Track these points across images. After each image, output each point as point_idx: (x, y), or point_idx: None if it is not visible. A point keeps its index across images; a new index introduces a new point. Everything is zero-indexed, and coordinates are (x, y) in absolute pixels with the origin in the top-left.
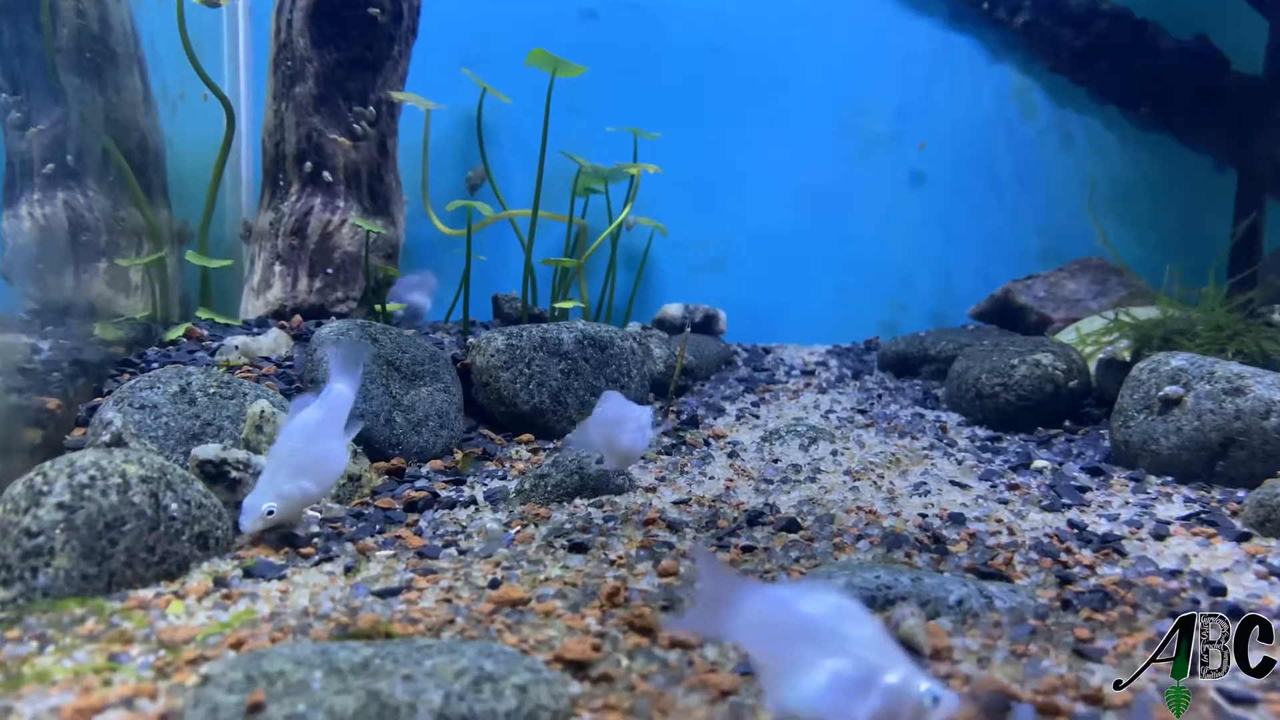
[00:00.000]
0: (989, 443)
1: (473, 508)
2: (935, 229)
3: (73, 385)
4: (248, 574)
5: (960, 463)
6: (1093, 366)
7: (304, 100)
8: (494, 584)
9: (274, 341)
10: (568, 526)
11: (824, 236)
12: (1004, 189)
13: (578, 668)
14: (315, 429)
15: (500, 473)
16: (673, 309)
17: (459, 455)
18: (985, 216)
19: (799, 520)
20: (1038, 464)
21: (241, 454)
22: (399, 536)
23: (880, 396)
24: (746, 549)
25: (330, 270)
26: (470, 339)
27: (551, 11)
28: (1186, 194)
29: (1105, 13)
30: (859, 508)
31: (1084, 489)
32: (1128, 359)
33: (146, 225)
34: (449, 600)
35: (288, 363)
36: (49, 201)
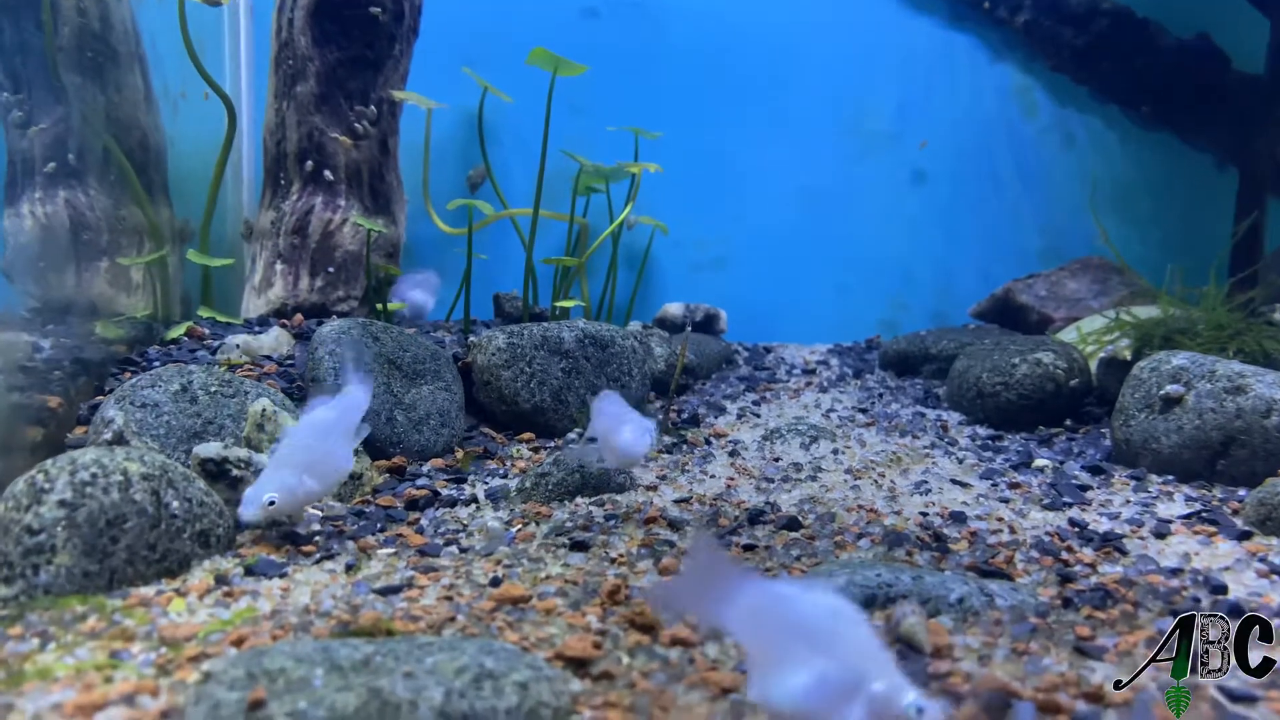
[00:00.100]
0: (990, 441)
1: (474, 506)
2: (936, 228)
3: (74, 384)
4: (249, 572)
5: (961, 461)
6: (1094, 365)
7: (305, 99)
8: (495, 582)
9: (275, 340)
10: (569, 525)
11: (825, 236)
12: (1005, 188)
13: (579, 665)
14: (326, 428)
15: (501, 471)
16: (674, 308)
17: (459, 453)
18: (986, 215)
19: (800, 519)
20: (1039, 463)
21: (243, 452)
22: (400, 535)
23: (881, 395)
24: (748, 547)
25: (331, 269)
26: (471, 338)
27: (552, 11)
28: (1188, 193)
29: (1106, 12)
30: (860, 506)
31: (1085, 487)
32: (1129, 358)
33: (148, 224)
34: (450, 598)
35: (289, 361)
36: (50, 200)
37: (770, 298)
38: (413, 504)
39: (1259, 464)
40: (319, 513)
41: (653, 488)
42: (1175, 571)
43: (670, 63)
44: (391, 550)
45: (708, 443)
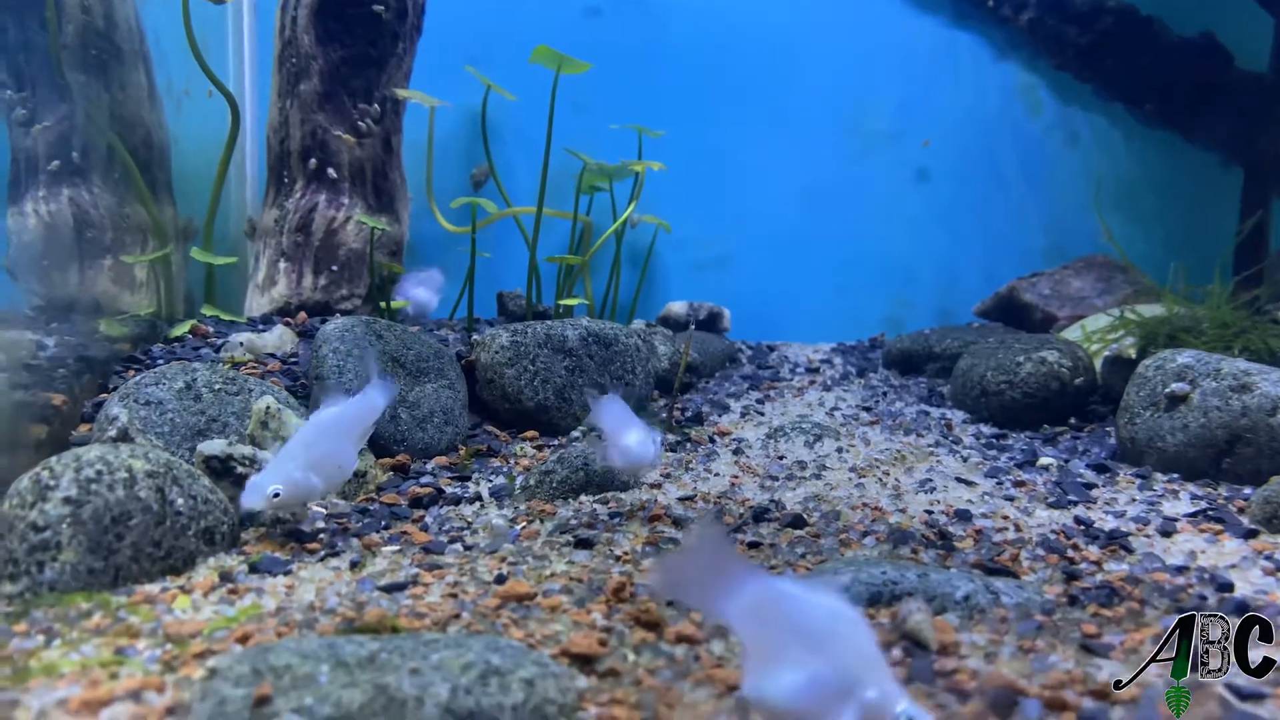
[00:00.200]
0: (994, 440)
1: (478, 504)
2: (940, 226)
3: (78, 381)
4: (253, 569)
5: (966, 460)
6: (1098, 364)
7: (309, 97)
8: (500, 579)
9: (279, 338)
10: (573, 522)
11: (828, 234)
12: (1009, 186)
13: (584, 662)
14: (341, 427)
15: (505, 469)
16: (677, 306)
17: (462, 450)
18: (990, 214)
19: (805, 516)
20: (1043, 461)
21: (247, 449)
22: (404, 532)
23: (885, 394)
24: (753, 544)
25: (335, 267)
26: (475, 336)
27: (555, 9)
28: (1192, 191)
29: (1110, 10)
30: (865, 504)
31: (1090, 486)
32: (1133, 356)
33: (151, 222)
34: (455, 595)
35: (293, 359)
36: (54, 198)
37: (774, 296)
38: (417, 502)
39: (1264, 462)
40: (323, 510)
41: (657, 486)
42: (1181, 569)
43: (673, 61)
44: (396, 548)
45: (712, 441)
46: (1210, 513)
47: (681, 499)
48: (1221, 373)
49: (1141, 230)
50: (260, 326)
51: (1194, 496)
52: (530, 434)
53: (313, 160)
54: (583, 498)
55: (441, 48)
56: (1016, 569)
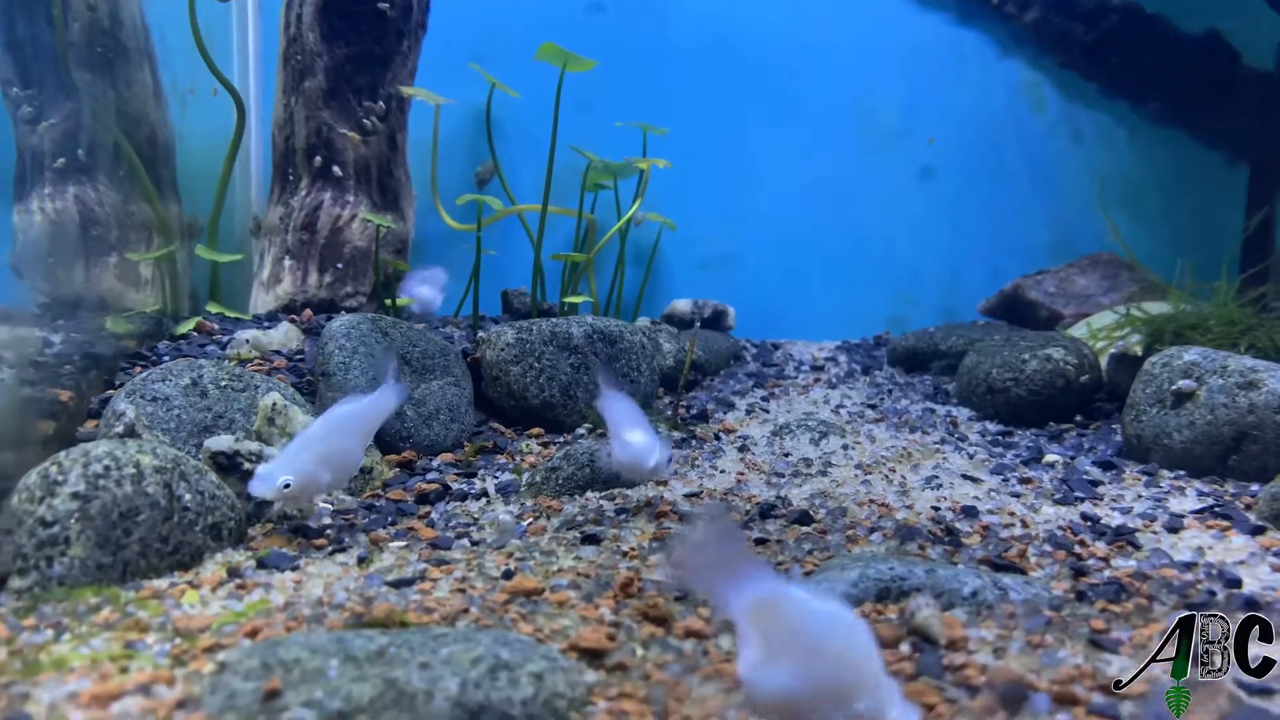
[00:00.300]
0: (1000, 437)
1: (484, 500)
2: (944, 224)
3: (84, 378)
4: (261, 564)
5: (972, 457)
6: (1104, 361)
7: (314, 95)
8: (508, 574)
9: (284, 335)
10: (580, 519)
11: (833, 232)
12: (1013, 184)
13: (593, 656)
14: (353, 424)
15: (511, 466)
16: (681, 304)
17: (467, 447)
18: (995, 211)
19: (811, 513)
20: (1049, 458)
21: (254, 446)
22: (411, 528)
23: (890, 391)
24: (760, 541)
25: (340, 265)
26: (480, 333)
27: (559, 7)
28: (1198, 189)
29: (1116, 8)
30: (871, 501)
31: (1096, 483)
32: (1139, 354)
33: (157, 219)
34: (463, 590)
35: (298, 356)
36: (60, 196)
37: (778, 294)
38: (423, 498)
39: (1271, 459)
40: (329, 506)
41: (663, 482)
42: (1189, 565)
43: (678, 59)
44: (403, 543)
45: (717, 438)
46: (1217, 509)
47: (688, 495)
48: (1228, 370)
49: (1147, 228)
50: (265, 324)
51: (1201, 493)
52: (536, 431)
53: (318, 158)
54: (589, 494)
55: (446, 45)
56: (1024, 565)
